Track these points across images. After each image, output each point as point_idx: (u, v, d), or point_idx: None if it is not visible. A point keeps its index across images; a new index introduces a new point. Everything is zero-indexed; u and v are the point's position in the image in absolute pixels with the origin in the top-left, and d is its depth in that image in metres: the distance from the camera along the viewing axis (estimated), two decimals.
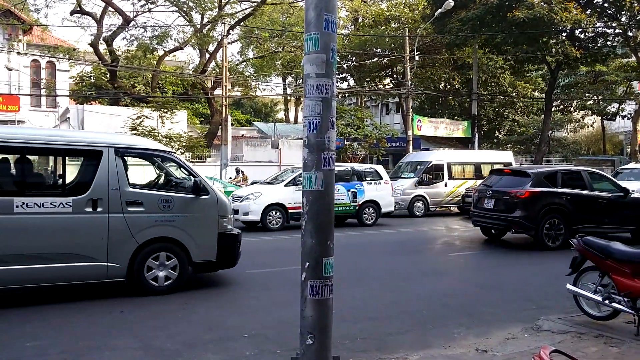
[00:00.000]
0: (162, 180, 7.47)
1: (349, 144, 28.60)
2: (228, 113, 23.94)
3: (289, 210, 13.67)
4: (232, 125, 27.53)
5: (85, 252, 6.29)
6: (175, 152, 9.00)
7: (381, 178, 15.68)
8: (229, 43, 27.10)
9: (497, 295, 7.10)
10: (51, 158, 7.03)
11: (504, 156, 21.43)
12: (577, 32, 25.81)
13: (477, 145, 27.72)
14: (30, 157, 6.72)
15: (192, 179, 7.01)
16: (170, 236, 6.77)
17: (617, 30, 25.84)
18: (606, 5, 25.39)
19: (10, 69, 27.43)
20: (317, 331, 3.18)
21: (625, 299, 5.11)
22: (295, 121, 43.66)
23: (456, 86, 35.88)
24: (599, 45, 26.47)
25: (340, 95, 36.31)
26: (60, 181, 6.73)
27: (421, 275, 8.49)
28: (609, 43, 26.81)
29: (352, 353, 4.72)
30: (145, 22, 26.72)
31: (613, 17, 25.51)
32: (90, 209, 6.33)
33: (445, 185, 18.89)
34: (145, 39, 25.52)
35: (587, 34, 26.39)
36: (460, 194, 18.68)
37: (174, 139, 21.28)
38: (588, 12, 24.43)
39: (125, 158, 6.69)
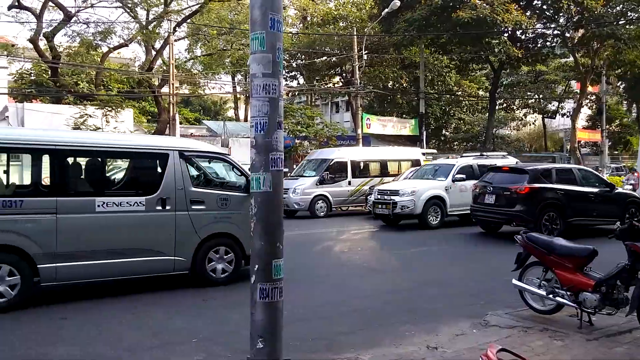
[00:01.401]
0: (219, 180, 8.28)
1: (299, 142, 28.61)
2: (176, 111, 23.46)
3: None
4: (181, 123, 27.03)
5: (156, 247, 6.87)
6: (229, 155, 9.77)
7: None
8: (175, 40, 26.51)
9: (442, 291, 7.24)
10: (125, 161, 7.70)
11: (413, 153, 20.84)
12: (518, 33, 26.84)
13: (425, 143, 28.33)
14: (108, 160, 7.61)
15: (245, 178, 7.59)
16: (228, 232, 7.36)
17: (555, 32, 27.03)
18: (545, 7, 26.51)
19: None
20: (268, 334, 3.15)
21: (568, 293, 5.33)
22: (245, 119, 43.20)
23: (404, 85, 36.55)
24: (539, 45, 27.63)
25: (290, 93, 36.29)
26: (133, 182, 7.44)
27: (360, 274, 8.54)
28: (548, 44, 28.01)
29: (304, 354, 4.71)
30: (88, 18, 25.66)
31: (552, 18, 26.67)
32: (160, 208, 6.92)
33: (349, 183, 17.75)
34: (88, 35, 24.63)
35: (527, 34, 27.49)
36: (364, 192, 17.55)
37: None
38: (528, 14, 25.44)
39: (188, 160, 7.29)
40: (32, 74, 30.97)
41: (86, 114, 20.28)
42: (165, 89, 26.47)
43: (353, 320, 5.86)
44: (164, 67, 28.01)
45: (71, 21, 24.26)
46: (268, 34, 3.20)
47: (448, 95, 35.75)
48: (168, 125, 23.37)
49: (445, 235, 12.70)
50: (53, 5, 24.18)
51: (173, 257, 6.98)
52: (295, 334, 4.99)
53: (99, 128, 20.34)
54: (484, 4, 23.33)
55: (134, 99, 31.90)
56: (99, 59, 27.19)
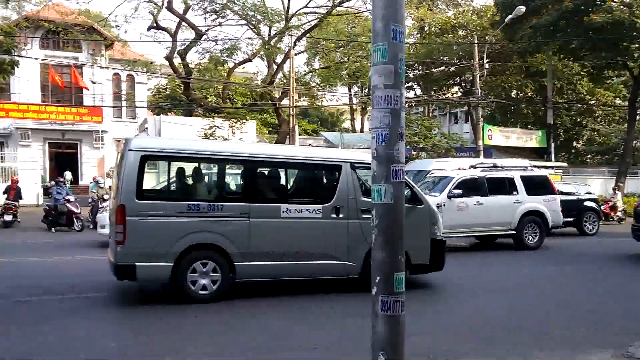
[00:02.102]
0: None
1: (416, 154, 28.19)
2: (295, 123, 24.26)
3: None
4: (299, 135, 27.86)
5: (330, 252, 7.39)
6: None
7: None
8: (295, 54, 27.52)
9: (573, 314, 6.68)
10: (305, 171, 8.21)
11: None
12: None
13: (553, 155, 26.48)
14: (290, 170, 8.18)
15: (411, 190, 7.92)
16: None
17: None
18: None
19: (94, 83, 29.23)
20: (389, 348, 3.11)
21: None
22: (362, 130, 43.59)
23: (529, 94, 34.54)
24: None
25: (407, 104, 35.95)
26: (311, 191, 7.97)
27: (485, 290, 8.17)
28: None
29: None
30: (216, 36, 27.57)
31: None
32: (334, 215, 7.45)
33: None
34: (216, 52, 26.42)
35: None
36: None
37: None
38: None
39: (357, 171, 7.69)
40: (167, 89, 33.92)
41: (215, 126, 21.71)
42: (285, 102, 27.53)
43: (479, 338, 5.60)
44: (284, 80, 29.15)
45: (201, 39, 26.23)
46: (390, 45, 3.18)
47: (579, 105, 33.16)
48: (288, 136, 24.24)
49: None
50: (186, 25, 26.32)
51: (345, 262, 7.43)
52: (418, 349, 4.84)
53: (226, 139, 21.65)
54: (621, 6, 21.38)
55: (256, 111, 33.61)
56: (225, 74, 29.06)
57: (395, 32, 3.18)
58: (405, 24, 3.28)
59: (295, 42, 26.10)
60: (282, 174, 8.01)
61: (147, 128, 26.74)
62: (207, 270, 6.82)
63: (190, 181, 7.59)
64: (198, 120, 24.91)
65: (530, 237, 13.00)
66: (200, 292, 6.80)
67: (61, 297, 7.21)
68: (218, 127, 21.90)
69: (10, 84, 27.08)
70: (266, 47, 25.75)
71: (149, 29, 26.71)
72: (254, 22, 26.05)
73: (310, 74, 34.53)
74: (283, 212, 7.18)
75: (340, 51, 31.15)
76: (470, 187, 12.62)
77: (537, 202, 13.10)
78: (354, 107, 44.58)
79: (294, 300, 7.21)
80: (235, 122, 22.81)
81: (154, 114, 30.82)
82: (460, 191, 12.23)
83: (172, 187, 7.73)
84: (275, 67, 28.07)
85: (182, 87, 29.19)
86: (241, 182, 7.79)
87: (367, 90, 39.29)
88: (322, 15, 26.25)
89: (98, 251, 11.33)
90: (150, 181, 6.96)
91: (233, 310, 6.60)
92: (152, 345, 5.29)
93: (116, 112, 32.26)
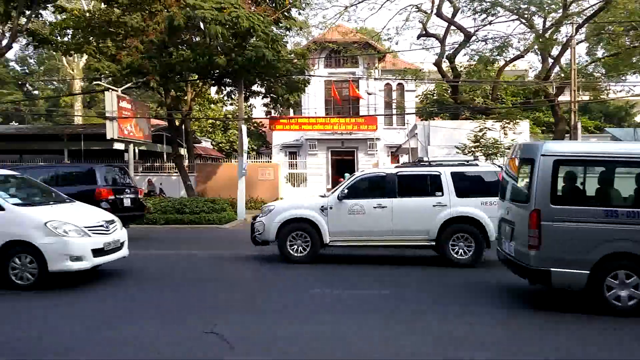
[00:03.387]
0: None
1: None
2: (577, 119, 21.90)
3: None
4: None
5: None
6: None
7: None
8: (576, 43, 24.85)
9: None
10: None
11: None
12: None
13: None
14: None
15: None
16: None
17: None
18: None
19: (369, 94, 31.61)
20: None
21: None
22: None
23: None
24: None
25: None
26: None
27: None
28: None
29: None
30: (485, 35, 26.93)
31: None
32: None
33: None
34: (485, 52, 25.72)
35: None
36: None
37: None
38: None
39: None
40: (434, 94, 34.45)
41: (485, 127, 21.11)
42: (562, 97, 25.15)
43: None
44: (561, 75, 26.65)
45: (470, 40, 25.85)
46: None
47: None
48: (567, 134, 22.06)
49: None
50: (454, 28, 26.30)
51: None
52: None
53: (497, 141, 20.85)
54: None
55: (528, 110, 31.55)
56: (494, 74, 28.05)
57: None
58: None
59: (576, 30, 23.60)
60: None
61: (416, 134, 27.57)
62: (630, 283, 6.41)
63: (606, 186, 7.11)
64: (466, 123, 24.59)
65: (461, 250, 9.92)
66: (628, 303, 6.39)
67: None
68: (489, 129, 21.21)
69: (302, 100, 31.20)
70: (540, 40, 23.94)
71: (418, 37, 27.59)
72: (526, 16, 24.51)
73: (593, 64, 30.77)
74: None
75: (633, 34, 26.91)
76: (373, 187, 10.47)
77: (469, 206, 9.93)
78: None
79: None
80: (508, 123, 21.76)
81: (421, 120, 31.67)
82: (348, 192, 10.23)
83: (588, 192, 7.33)
84: (550, 60, 25.91)
85: (449, 91, 29.32)
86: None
87: None
88: None
89: None
90: (561, 186, 6.90)
91: None
92: None
93: (387, 120, 34.23)
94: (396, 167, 11.06)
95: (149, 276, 9.14)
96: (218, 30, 16.92)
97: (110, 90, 20.26)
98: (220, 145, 38.30)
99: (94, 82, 25.67)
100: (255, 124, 37.49)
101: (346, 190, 10.32)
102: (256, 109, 34.92)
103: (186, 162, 26.27)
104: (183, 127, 26.02)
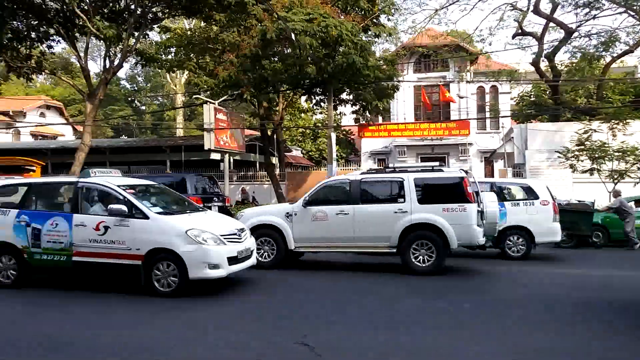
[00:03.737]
0: None
1: None
2: None
3: None
4: None
5: None
6: None
7: (536, 197, 12.30)
8: None
9: None
10: None
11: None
12: None
13: None
14: None
15: None
16: None
17: None
18: None
19: (461, 97, 30.69)
20: None
21: None
22: None
23: None
24: None
25: None
26: None
27: None
28: None
29: None
30: (588, 31, 25.14)
31: None
32: None
33: None
34: (589, 48, 24.05)
35: None
36: None
37: (629, 153, 18.98)
38: None
39: None
40: (532, 95, 32.72)
41: (591, 129, 19.69)
42: None
43: None
44: None
45: (572, 37, 24.28)
46: None
47: None
48: None
49: None
50: (554, 25, 24.84)
51: None
52: None
53: (604, 143, 19.34)
54: None
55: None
56: (599, 72, 26.14)
57: None
58: None
59: None
60: None
61: (512, 138, 26.35)
62: None
63: None
64: (568, 125, 23.08)
65: (423, 257, 9.82)
66: None
67: None
68: (595, 131, 19.73)
69: (391, 107, 30.93)
70: None
71: (513, 36, 26.41)
72: (635, 7, 22.60)
73: None
74: None
75: None
76: (337, 193, 10.63)
77: (430, 212, 9.77)
78: None
79: None
80: (617, 124, 20.13)
81: (517, 123, 30.21)
82: (313, 198, 10.45)
83: None
84: None
85: (548, 92, 27.74)
86: None
87: None
88: None
89: None
90: None
91: None
92: None
93: (480, 125, 33.00)
94: (361, 173, 10.97)
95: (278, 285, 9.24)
96: (308, 40, 17.23)
97: (208, 103, 21.31)
98: (310, 153, 38.94)
99: (194, 97, 27.17)
100: (344, 132, 37.74)
101: (310, 197, 10.51)
102: (345, 116, 35.18)
103: (277, 171, 26.94)
104: (275, 136, 26.76)
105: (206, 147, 20.79)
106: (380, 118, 32.08)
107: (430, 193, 9.99)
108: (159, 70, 45.19)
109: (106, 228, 8.13)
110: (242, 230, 8.77)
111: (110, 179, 8.92)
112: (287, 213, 10.54)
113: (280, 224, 10.52)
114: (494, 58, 33.41)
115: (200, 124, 31.86)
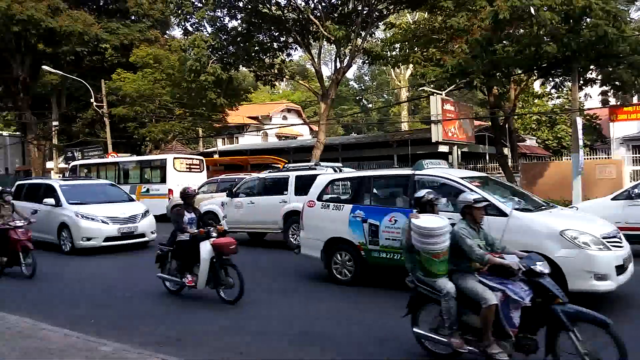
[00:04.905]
0: None
1: None
2: None
3: None
4: None
5: None
6: None
7: None
8: None
9: None
10: None
11: None
12: None
13: None
14: None
15: None
16: None
17: None
18: None
19: None
20: None
21: None
22: None
23: None
24: None
25: None
26: None
27: None
28: None
29: None
30: None
31: None
32: None
33: None
34: None
35: None
36: None
37: None
38: None
39: None
40: None
41: None
42: None
43: None
44: None
45: None
46: None
47: None
48: None
49: None
50: None
51: None
52: None
53: None
54: None
55: None
56: None
57: None
58: None
59: None
60: None
61: None
62: None
63: None
64: None
65: (296, 236, 11.75)
66: None
67: None
68: None
69: None
70: None
71: None
72: None
73: None
74: None
75: None
76: (250, 187, 13.95)
77: (301, 202, 10.61)
78: None
79: None
80: None
81: None
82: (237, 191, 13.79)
83: None
84: None
85: None
86: None
87: None
88: None
89: None
90: None
91: None
92: None
93: None
94: (268, 172, 14.37)
95: None
96: (548, 15, 15.41)
97: (435, 94, 20.82)
98: (546, 142, 35.41)
99: (419, 89, 26.96)
100: (588, 117, 33.26)
101: (235, 190, 13.81)
102: (591, 99, 30.98)
103: (509, 162, 25.09)
104: (507, 125, 24.93)
105: (434, 140, 20.34)
106: (635, 98, 27.37)
107: (303, 187, 11.49)
108: (384, 68, 46.39)
109: None
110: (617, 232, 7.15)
111: (447, 170, 8.25)
112: (222, 202, 14.05)
113: (217, 210, 14.39)
114: None
115: (425, 117, 31.57)
